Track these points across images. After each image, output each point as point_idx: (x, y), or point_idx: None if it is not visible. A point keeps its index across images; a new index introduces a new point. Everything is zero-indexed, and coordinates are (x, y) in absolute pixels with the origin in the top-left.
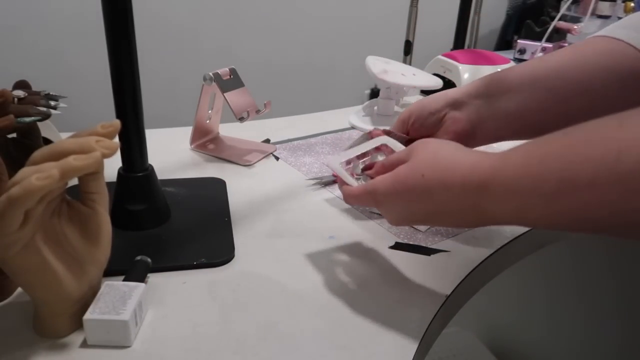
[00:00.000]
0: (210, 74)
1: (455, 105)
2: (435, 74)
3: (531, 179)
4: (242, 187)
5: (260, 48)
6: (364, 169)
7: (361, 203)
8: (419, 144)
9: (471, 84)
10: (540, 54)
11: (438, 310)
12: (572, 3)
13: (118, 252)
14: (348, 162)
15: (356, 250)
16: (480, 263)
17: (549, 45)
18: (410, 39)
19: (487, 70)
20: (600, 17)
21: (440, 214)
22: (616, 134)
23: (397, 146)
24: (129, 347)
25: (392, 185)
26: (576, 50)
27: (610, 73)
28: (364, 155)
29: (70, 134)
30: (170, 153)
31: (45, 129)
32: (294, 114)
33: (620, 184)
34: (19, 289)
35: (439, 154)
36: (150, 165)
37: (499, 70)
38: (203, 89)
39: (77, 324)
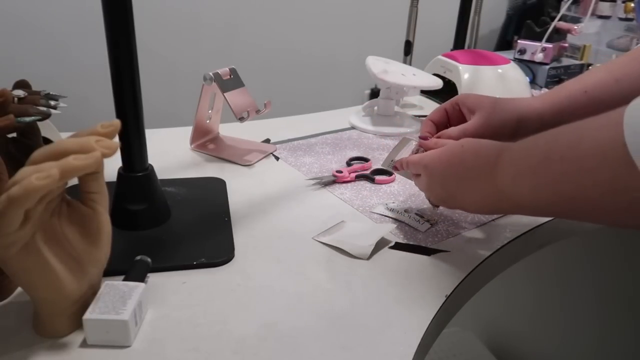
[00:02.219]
0: (210, 74)
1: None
2: (435, 74)
3: (525, 152)
4: (242, 187)
5: (261, 48)
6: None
7: (412, 167)
8: None
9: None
10: (540, 54)
11: (438, 310)
12: (572, 3)
13: (118, 252)
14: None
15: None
16: (480, 263)
17: (549, 45)
18: (410, 39)
19: (487, 70)
20: (601, 17)
21: (467, 180)
22: (589, 123)
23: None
24: (128, 347)
25: (437, 154)
26: None
27: None
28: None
29: (70, 134)
30: (170, 153)
31: (45, 128)
32: (294, 114)
33: (578, 161)
34: (19, 289)
35: (479, 140)
36: (150, 165)
37: (499, 71)
38: (203, 89)
39: (77, 324)
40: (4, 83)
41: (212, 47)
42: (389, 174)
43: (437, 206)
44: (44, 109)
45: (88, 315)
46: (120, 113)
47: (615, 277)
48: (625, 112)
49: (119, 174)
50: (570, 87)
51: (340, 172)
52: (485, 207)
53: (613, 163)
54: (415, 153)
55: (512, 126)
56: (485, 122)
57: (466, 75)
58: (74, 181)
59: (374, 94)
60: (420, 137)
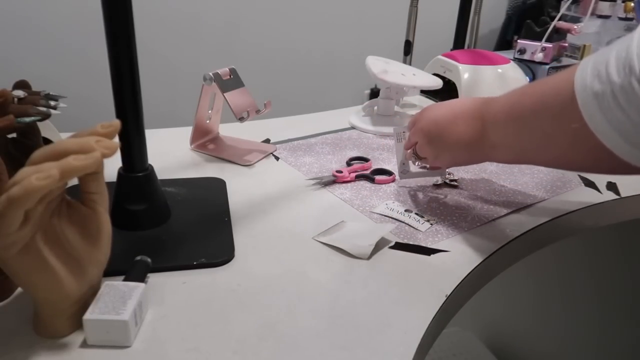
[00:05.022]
0: (210, 74)
1: None
2: (435, 74)
3: (501, 103)
4: (242, 187)
5: (261, 48)
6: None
7: (410, 122)
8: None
9: None
10: (540, 54)
11: (438, 310)
12: (572, 3)
13: (118, 252)
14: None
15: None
16: (480, 263)
17: (549, 45)
18: (410, 39)
19: (487, 70)
20: (600, 17)
21: (456, 120)
22: (551, 77)
23: None
24: (129, 347)
25: (428, 108)
26: None
27: None
28: None
29: (70, 134)
30: (170, 153)
31: (45, 129)
32: (294, 114)
33: (541, 97)
34: (19, 289)
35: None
36: (150, 165)
37: (499, 70)
38: (203, 89)
39: (77, 324)
40: (4, 83)
41: (212, 47)
42: (389, 173)
43: (420, 158)
44: (44, 109)
45: (88, 315)
46: (120, 113)
47: (615, 277)
48: (583, 59)
49: (119, 174)
50: None
51: (340, 172)
52: (467, 150)
53: (563, 98)
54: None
55: None
56: None
57: (466, 75)
58: (74, 181)
59: (374, 94)
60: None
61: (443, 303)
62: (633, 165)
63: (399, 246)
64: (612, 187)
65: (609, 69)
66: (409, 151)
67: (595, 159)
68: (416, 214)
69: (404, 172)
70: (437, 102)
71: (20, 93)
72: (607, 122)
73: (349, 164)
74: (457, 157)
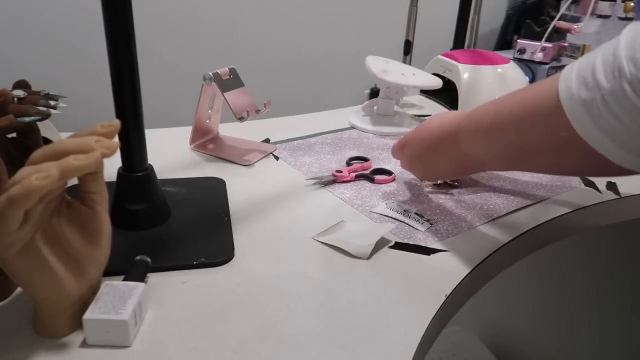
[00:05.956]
0: (210, 74)
1: None
2: (435, 74)
3: (482, 112)
4: (242, 187)
5: (261, 48)
6: None
7: (395, 154)
8: None
9: None
10: (540, 54)
11: (438, 310)
12: (572, 3)
13: (118, 252)
14: None
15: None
16: (480, 263)
17: (549, 45)
18: (410, 39)
19: (487, 70)
20: (601, 17)
21: (437, 148)
22: (537, 83)
23: None
24: (129, 347)
25: (410, 133)
26: None
27: None
28: None
29: (70, 134)
30: (170, 153)
31: (45, 129)
32: (294, 114)
33: (521, 112)
34: (19, 289)
35: (446, 112)
36: (150, 165)
37: (499, 70)
38: (203, 89)
39: (77, 324)
40: (4, 83)
41: (212, 47)
42: (389, 173)
43: (422, 181)
44: (44, 109)
45: (88, 315)
46: (120, 113)
47: (616, 277)
48: (565, 67)
49: (119, 174)
50: None
51: (340, 172)
52: (456, 170)
53: (547, 108)
54: None
55: None
56: None
57: (466, 75)
58: (74, 181)
59: (374, 93)
60: None
61: (443, 303)
62: (623, 168)
63: (399, 246)
64: (612, 187)
65: (597, 75)
66: None
67: (584, 163)
68: (416, 214)
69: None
70: (437, 102)
71: (20, 93)
72: (599, 129)
73: (349, 164)
74: (451, 177)
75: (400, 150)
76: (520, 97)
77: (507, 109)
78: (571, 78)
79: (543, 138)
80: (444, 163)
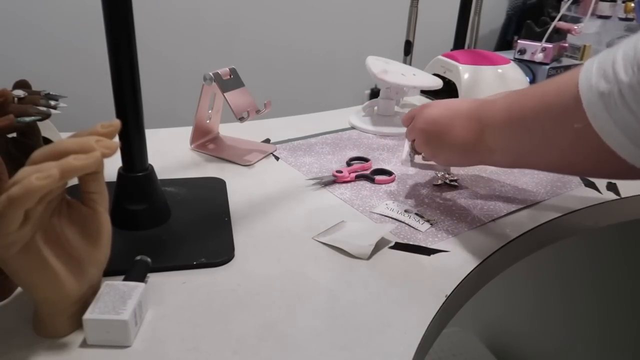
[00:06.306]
0: (210, 74)
1: None
2: (435, 74)
3: (499, 106)
4: (242, 187)
5: (261, 48)
6: None
7: (408, 118)
8: None
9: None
10: (540, 54)
11: (438, 310)
12: (572, 3)
13: (118, 252)
14: None
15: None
16: (480, 263)
17: (549, 45)
18: (410, 39)
19: (487, 70)
20: (601, 17)
21: (454, 120)
22: (555, 78)
23: None
24: (128, 347)
25: (429, 103)
26: None
27: None
28: None
29: (70, 134)
30: (170, 153)
31: (45, 129)
32: (294, 114)
33: (542, 97)
34: (19, 289)
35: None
36: (150, 165)
37: (499, 71)
38: (203, 89)
39: (77, 324)
40: (4, 83)
41: (212, 47)
42: (389, 174)
43: (419, 153)
44: (44, 109)
45: (88, 315)
46: (120, 113)
47: (615, 277)
48: (587, 60)
49: (119, 174)
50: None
51: (340, 172)
52: (464, 151)
53: (566, 97)
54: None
55: None
56: None
57: (466, 75)
58: (74, 181)
59: (374, 94)
60: None
61: (443, 303)
62: (635, 169)
63: (399, 246)
64: (612, 187)
65: (616, 68)
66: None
67: (597, 161)
68: (416, 214)
69: (409, 161)
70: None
71: (20, 93)
72: (613, 122)
73: (349, 164)
74: (453, 158)
75: (416, 113)
76: (543, 85)
77: (529, 95)
78: (592, 70)
79: (557, 127)
80: (454, 139)
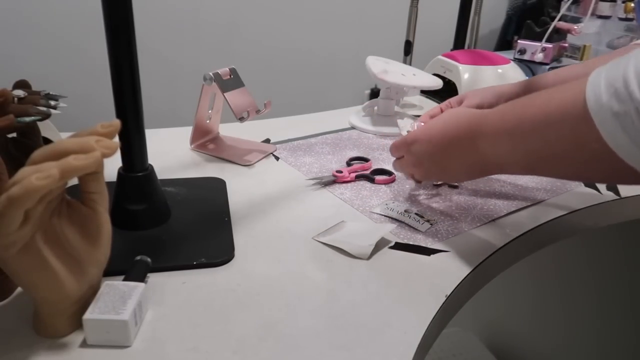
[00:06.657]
0: (210, 74)
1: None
2: (435, 74)
3: (502, 115)
4: (242, 187)
5: (261, 48)
6: None
7: (397, 150)
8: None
9: (515, 84)
10: (540, 54)
11: (438, 310)
12: (572, 3)
13: (118, 252)
14: None
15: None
16: (480, 263)
17: (549, 45)
18: (410, 39)
19: (487, 70)
20: (601, 17)
21: (451, 149)
22: (560, 87)
23: None
24: (128, 347)
25: (421, 130)
26: None
27: None
28: None
29: (70, 134)
30: (170, 153)
31: (45, 129)
32: (294, 114)
33: (546, 118)
34: (19, 289)
35: (458, 110)
36: (150, 165)
37: (499, 71)
38: (203, 89)
39: (77, 324)
40: (4, 83)
41: (212, 47)
42: (389, 174)
43: (420, 182)
44: (44, 109)
45: (88, 315)
46: (120, 113)
47: (615, 277)
48: (591, 74)
49: (119, 174)
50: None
51: (340, 172)
52: (473, 173)
53: (574, 118)
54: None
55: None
56: None
57: (466, 75)
58: (74, 181)
59: (374, 94)
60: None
61: (443, 303)
62: None
63: (399, 246)
64: (612, 187)
65: (630, 86)
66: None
67: (616, 174)
68: (416, 214)
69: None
70: (437, 102)
71: (20, 93)
72: (633, 142)
73: (349, 164)
74: (462, 179)
75: (407, 146)
76: (542, 102)
77: (529, 114)
78: (599, 87)
79: (570, 148)
80: (458, 164)
